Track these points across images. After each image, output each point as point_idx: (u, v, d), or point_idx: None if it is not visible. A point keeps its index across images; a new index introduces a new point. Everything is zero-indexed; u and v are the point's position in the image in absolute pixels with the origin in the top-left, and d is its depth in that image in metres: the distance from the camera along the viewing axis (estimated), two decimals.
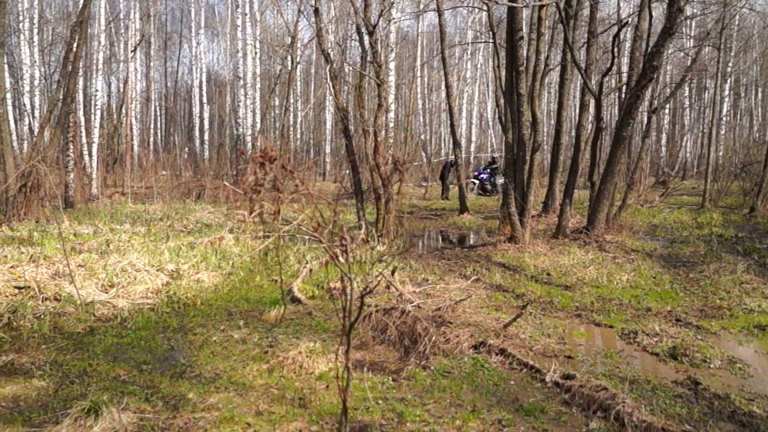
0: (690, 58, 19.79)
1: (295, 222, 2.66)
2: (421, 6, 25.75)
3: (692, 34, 27.12)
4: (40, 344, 5.79)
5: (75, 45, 14.17)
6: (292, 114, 28.52)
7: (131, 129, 25.95)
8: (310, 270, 9.27)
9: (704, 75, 28.72)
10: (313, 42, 30.01)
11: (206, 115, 28.43)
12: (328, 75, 13.26)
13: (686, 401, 4.94)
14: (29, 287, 6.96)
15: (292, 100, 26.75)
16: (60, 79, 14.72)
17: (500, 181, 24.41)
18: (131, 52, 25.54)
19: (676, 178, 30.05)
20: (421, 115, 34.03)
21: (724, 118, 28.39)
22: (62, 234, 9.59)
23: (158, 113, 34.34)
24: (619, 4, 22.82)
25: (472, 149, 32.44)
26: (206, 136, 28.12)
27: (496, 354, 5.86)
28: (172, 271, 8.24)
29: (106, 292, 7.26)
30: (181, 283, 7.83)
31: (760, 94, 35.18)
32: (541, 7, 12.08)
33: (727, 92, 28.19)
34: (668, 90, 28.10)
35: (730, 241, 13.32)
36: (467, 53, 31.89)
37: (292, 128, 29.24)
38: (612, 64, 11.56)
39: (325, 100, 31.47)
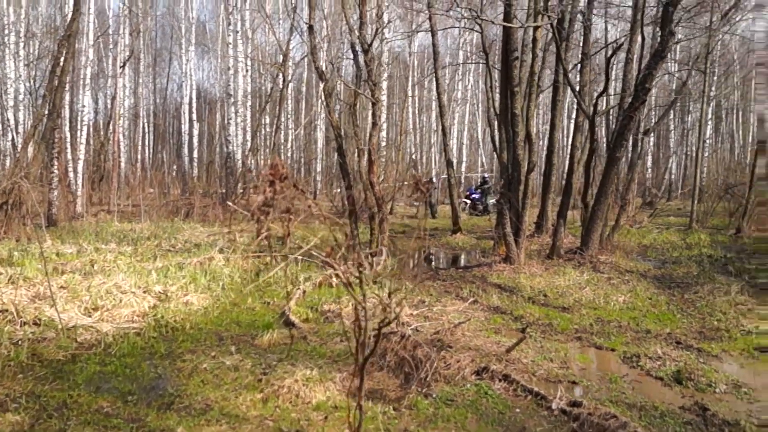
0: (679, 81, 19.92)
1: (307, 246, 2.47)
2: (413, 26, 25.82)
3: (677, 59, 27.46)
4: (16, 373, 5.44)
5: (62, 60, 13.94)
6: (283, 132, 28.35)
7: (118, 146, 25.65)
8: (304, 291, 9.04)
9: (687, 98, 29.01)
10: (305, 60, 30.01)
11: (195, 132, 28.20)
12: (323, 93, 13.14)
13: (696, 428, 4.84)
14: (7, 311, 6.62)
15: (283, 119, 26.59)
16: (46, 93, 14.46)
17: (491, 200, 24.38)
18: (120, 68, 25.32)
19: (663, 198, 30.22)
20: (412, 134, 34.00)
21: (708, 141, 28.62)
22: (44, 253, 9.26)
23: (146, 130, 34.00)
24: (606, 28, 23.08)
25: (463, 169, 32.42)
26: (195, 154, 27.86)
27: (500, 380, 5.66)
28: (160, 293, 7.96)
29: (90, 316, 6.94)
30: (169, 305, 7.55)
31: (740, 118, 35.66)
32: (535, 28, 12.06)
33: (710, 116, 28.43)
34: (653, 113, 28.36)
35: (720, 261, 13.30)
36: (458, 74, 32.00)
37: (283, 146, 29.07)
38: (606, 86, 11.56)
39: (317, 118, 31.36)
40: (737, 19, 16.44)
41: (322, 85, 13.57)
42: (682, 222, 20.27)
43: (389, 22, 15.09)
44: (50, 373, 5.52)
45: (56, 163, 15.29)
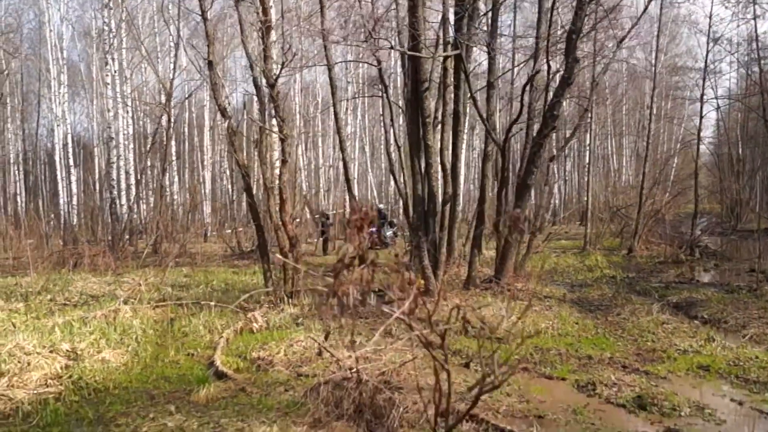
0: (580, 107, 20.88)
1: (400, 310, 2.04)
2: (303, 61, 25.61)
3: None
4: None
5: None
6: (168, 174, 26.89)
7: None
8: (227, 339, 8.34)
9: (564, 126, 30.90)
10: (187, 101, 28.81)
11: (74, 178, 26.09)
12: (227, 131, 12.53)
13: None
14: None
15: (168, 160, 25.25)
16: None
17: (389, 233, 24.29)
18: None
19: (550, 223, 31.75)
20: (303, 170, 33.57)
21: (589, 167, 30.57)
22: None
23: (17, 178, 31.07)
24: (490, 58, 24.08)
25: None
26: (74, 201, 25.74)
27: (466, 420, 5.37)
28: (69, 351, 6.98)
29: None
30: (83, 364, 6.63)
31: (614, 143, 38.39)
32: (445, 58, 12.18)
33: (588, 142, 30.37)
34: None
35: (625, 282, 13.90)
36: (349, 109, 32.09)
37: (169, 188, 27.54)
38: (520, 113, 11.75)
39: (204, 158, 30.17)
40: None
41: (225, 123, 12.96)
42: (575, 245, 21.19)
43: (295, 54, 14.72)
44: None
45: None
